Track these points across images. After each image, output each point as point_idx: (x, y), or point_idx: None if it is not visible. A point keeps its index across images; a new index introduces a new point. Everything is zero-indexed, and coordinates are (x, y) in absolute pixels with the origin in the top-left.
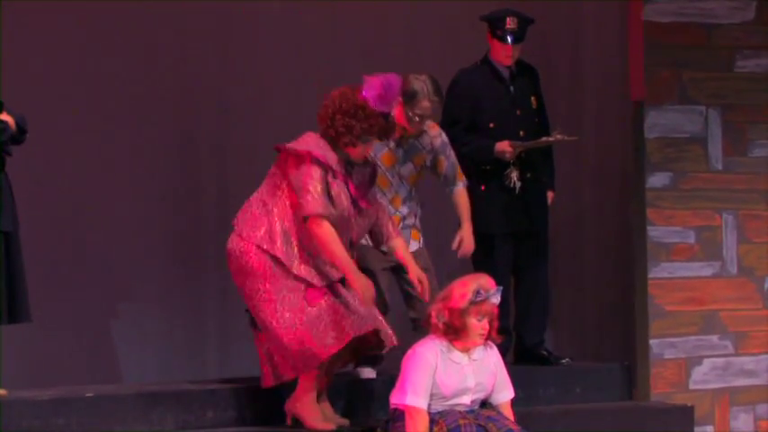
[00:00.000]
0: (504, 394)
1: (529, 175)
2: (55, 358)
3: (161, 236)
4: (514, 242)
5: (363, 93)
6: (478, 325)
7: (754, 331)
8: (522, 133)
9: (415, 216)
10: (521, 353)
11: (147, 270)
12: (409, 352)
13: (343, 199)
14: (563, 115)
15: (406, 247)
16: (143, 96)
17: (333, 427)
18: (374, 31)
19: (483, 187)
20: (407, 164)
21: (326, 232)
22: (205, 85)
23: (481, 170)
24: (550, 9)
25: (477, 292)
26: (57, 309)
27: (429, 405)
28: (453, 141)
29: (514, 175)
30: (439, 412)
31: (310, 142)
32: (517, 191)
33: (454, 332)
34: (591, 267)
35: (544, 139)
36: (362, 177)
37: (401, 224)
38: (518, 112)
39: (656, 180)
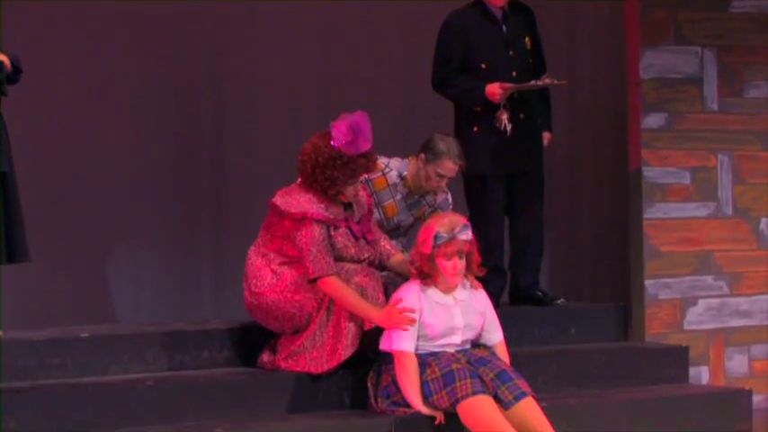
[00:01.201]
0: (496, 335)
1: (522, 116)
2: (50, 299)
3: (157, 177)
4: (509, 182)
5: (333, 142)
6: (448, 264)
7: (748, 272)
8: (514, 74)
9: (402, 243)
10: (515, 293)
11: (142, 211)
12: (393, 297)
13: (350, 246)
14: (557, 56)
15: (405, 260)
16: (141, 37)
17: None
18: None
19: (475, 129)
20: (409, 217)
21: (335, 287)
22: (204, 27)
23: (473, 112)
24: None
25: (437, 236)
26: (52, 250)
27: (418, 347)
28: (445, 83)
29: (504, 117)
30: (431, 354)
31: (302, 201)
32: (508, 133)
33: (426, 276)
34: (586, 208)
35: (533, 82)
36: (362, 210)
37: None
38: (510, 53)
39: (652, 121)
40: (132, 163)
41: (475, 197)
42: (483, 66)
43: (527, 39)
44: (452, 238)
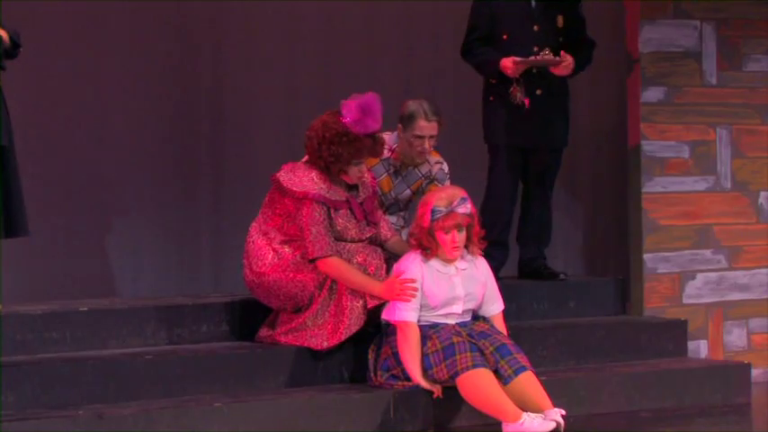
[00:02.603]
0: (496, 306)
1: (539, 92)
2: (49, 273)
3: (156, 151)
4: (524, 154)
5: (342, 119)
6: (447, 238)
7: (747, 246)
8: (536, 49)
9: (404, 218)
10: (519, 266)
11: (141, 185)
12: (395, 268)
13: (351, 228)
14: None
15: (402, 241)
16: (140, 16)
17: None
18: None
19: (491, 98)
20: (405, 190)
21: (335, 267)
22: (204, 2)
23: (489, 83)
24: None
25: (435, 210)
26: (51, 223)
27: (420, 317)
28: (468, 51)
29: (518, 92)
30: (432, 326)
31: (305, 180)
32: (522, 110)
33: (426, 249)
34: (585, 182)
35: (532, 57)
36: (366, 191)
37: None
38: (535, 28)
39: (651, 95)
40: (131, 137)
41: (491, 168)
42: (504, 37)
43: (559, 16)
44: (450, 212)
